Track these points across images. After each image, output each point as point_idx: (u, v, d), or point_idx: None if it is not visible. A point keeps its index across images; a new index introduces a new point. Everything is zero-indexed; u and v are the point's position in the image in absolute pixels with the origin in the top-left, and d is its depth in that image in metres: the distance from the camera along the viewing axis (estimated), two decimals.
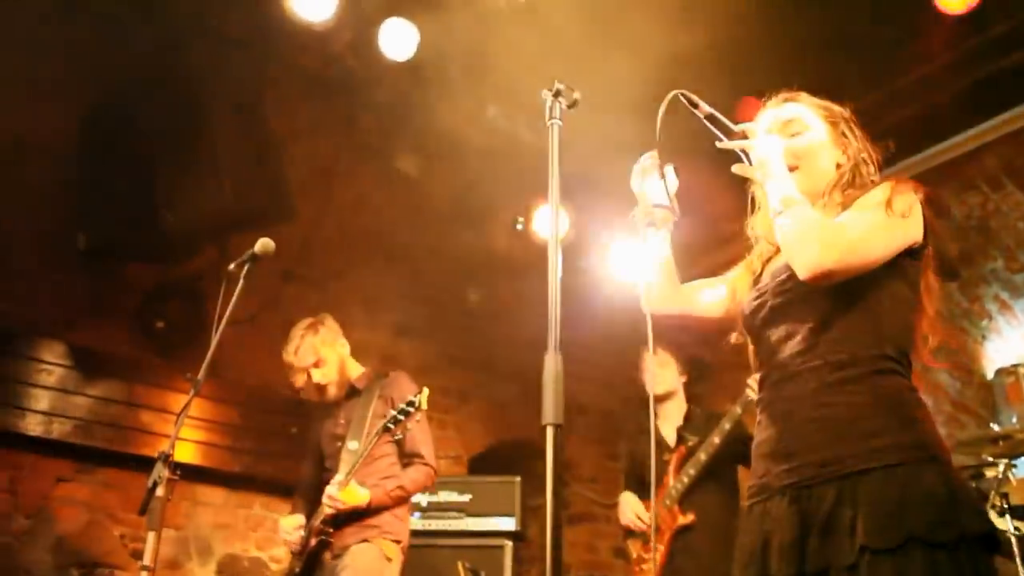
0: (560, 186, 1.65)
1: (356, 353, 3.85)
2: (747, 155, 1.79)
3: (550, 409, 1.43)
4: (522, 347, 5.90)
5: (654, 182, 1.91)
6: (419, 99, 4.62)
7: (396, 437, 3.31)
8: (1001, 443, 3.48)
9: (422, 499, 4.45)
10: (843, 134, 1.87)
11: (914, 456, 1.55)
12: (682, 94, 1.79)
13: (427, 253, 5.51)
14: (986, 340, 5.01)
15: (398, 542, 3.35)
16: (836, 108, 1.92)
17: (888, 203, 1.67)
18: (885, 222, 1.66)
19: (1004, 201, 4.62)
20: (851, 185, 1.81)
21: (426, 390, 3.37)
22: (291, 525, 3.45)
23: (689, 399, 4.06)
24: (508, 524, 4.57)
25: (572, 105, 1.67)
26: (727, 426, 3.73)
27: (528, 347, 5.68)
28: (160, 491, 2.33)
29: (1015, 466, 3.55)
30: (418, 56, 4.42)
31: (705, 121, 1.82)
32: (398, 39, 4.42)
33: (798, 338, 1.70)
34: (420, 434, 3.47)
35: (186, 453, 4.42)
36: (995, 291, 4.88)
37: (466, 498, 4.47)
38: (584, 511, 6.19)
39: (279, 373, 5.11)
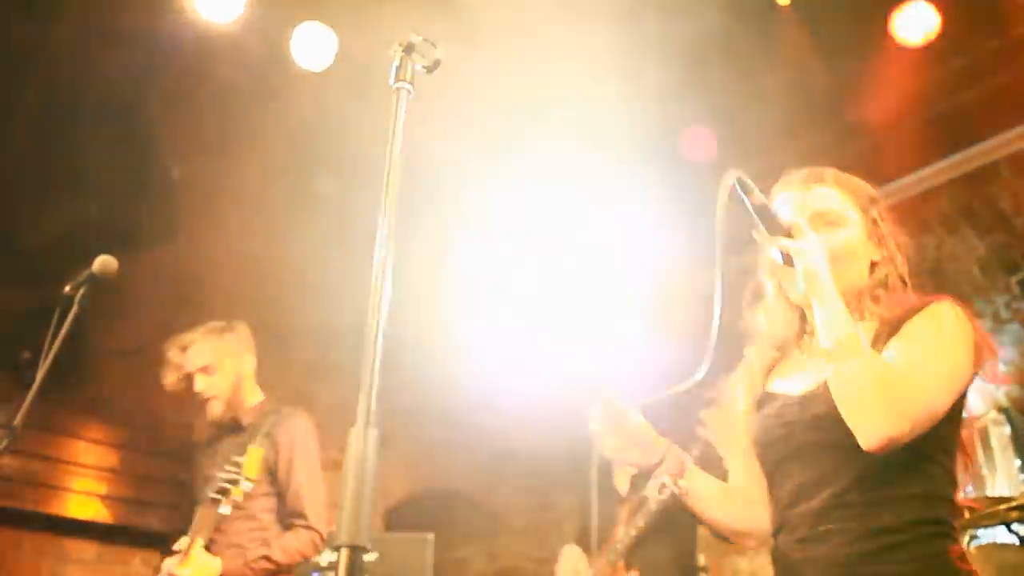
0: None
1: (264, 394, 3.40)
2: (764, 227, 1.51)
3: (350, 520, 0.94)
4: (455, 389, 5.53)
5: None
6: (338, 113, 4.22)
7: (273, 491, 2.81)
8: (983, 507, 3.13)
9: (320, 557, 3.95)
10: (875, 222, 1.62)
11: None
12: (739, 180, 1.47)
13: (349, 282, 5.05)
14: None
15: None
16: (865, 190, 1.66)
17: (956, 347, 1.45)
18: (955, 374, 1.44)
19: (959, 245, 4.35)
20: (884, 287, 1.59)
21: (252, 450, 2.71)
22: None
23: None
24: None
25: (432, 67, 1.25)
26: None
27: (461, 389, 5.31)
28: None
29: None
30: (337, 65, 4.04)
31: (752, 212, 1.51)
32: (314, 46, 4.02)
33: (830, 490, 1.45)
34: (308, 485, 2.87)
35: (52, 503, 3.89)
36: None
37: (372, 557, 3.97)
38: (513, 565, 5.73)
39: (171, 412, 4.63)
